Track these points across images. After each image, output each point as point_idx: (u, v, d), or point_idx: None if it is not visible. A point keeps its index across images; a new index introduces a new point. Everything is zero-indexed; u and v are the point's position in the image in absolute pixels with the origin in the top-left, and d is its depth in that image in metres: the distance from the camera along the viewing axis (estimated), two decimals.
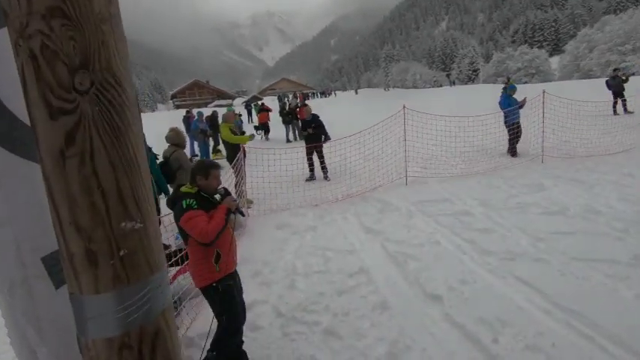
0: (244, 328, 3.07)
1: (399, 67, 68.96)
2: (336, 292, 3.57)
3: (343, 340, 2.94)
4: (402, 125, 6.86)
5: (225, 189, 2.74)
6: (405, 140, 6.89)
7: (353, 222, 5.35)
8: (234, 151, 6.17)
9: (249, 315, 3.34)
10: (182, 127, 14.81)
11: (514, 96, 8.05)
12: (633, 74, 11.83)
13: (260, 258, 4.44)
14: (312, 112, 7.81)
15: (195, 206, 2.42)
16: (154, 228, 0.53)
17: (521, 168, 7.03)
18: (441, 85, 55.09)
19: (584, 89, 16.29)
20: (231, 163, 6.01)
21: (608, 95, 11.26)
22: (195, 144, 11.33)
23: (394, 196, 6.13)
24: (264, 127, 14.70)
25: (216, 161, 2.87)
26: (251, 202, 6.52)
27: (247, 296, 3.60)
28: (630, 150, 7.37)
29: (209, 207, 2.53)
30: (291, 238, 4.97)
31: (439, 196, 5.90)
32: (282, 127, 13.62)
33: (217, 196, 2.66)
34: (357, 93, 57.24)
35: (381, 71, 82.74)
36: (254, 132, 13.00)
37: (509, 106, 7.88)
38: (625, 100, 10.99)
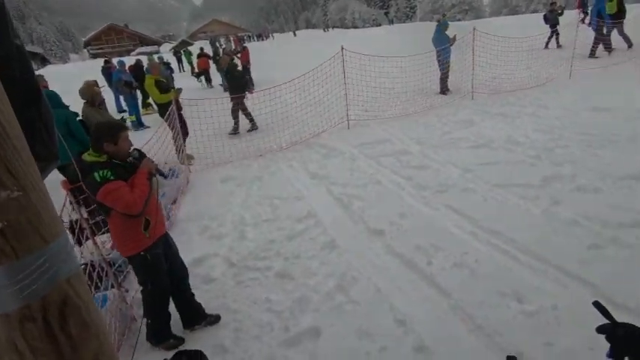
0: (198, 281, 3.12)
1: (337, 6, 66.15)
2: (286, 238, 3.70)
3: (295, 280, 3.11)
4: (342, 68, 6.77)
5: (139, 150, 2.46)
6: (345, 83, 6.86)
7: (298, 169, 5.40)
8: (165, 106, 5.69)
9: (201, 269, 3.38)
10: (103, 81, 13.24)
11: (447, 32, 8.22)
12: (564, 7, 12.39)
13: (207, 213, 4.39)
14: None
15: (112, 177, 2.17)
16: (41, 195, 0.48)
17: (453, 106, 7.43)
18: (380, 24, 54.30)
19: (514, 25, 17.11)
20: (163, 118, 5.57)
21: (541, 29, 11.85)
22: (122, 98, 10.23)
23: (337, 141, 6.24)
24: (205, 73, 13.60)
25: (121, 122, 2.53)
26: (192, 157, 6.25)
27: (197, 251, 3.62)
28: (547, 83, 8.07)
29: (126, 174, 2.29)
30: (237, 190, 4.93)
31: (380, 138, 6.11)
32: (218, 75, 12.76)
33: (131, 159, 2.38)
34: (295, 35, 54.51)
35: (319, 10, 78.84)
36: (197, 80, 12.04)
37: (442, 43, 8.07)
38: (558, 34, 11.56)
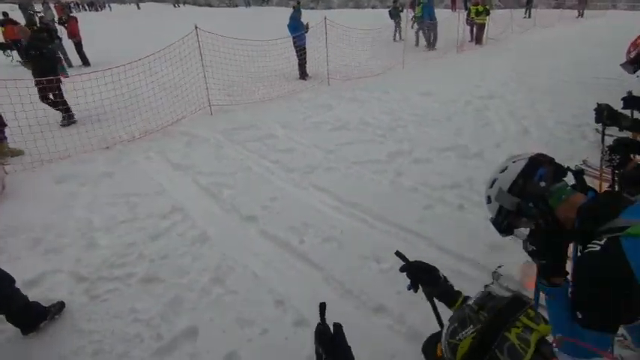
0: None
1: None
2: (149, 238, 3.33)
3: (165, 282, 2.85)
4: (198, 49, 6.31)
5: None
6: (204, 66, 6.44)
7: (158, 160, 4.88)
8: None
9: (36, 292, 2.76)
10: None
11: (301, 20, 8.58)
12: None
13: (38, 222, 3.56)
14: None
15: None
16: None
17: (313, 91, 7.86)
18: (236, 5, 52.54)
19: (359, 17, 19.00)
20: None
21: (382, 22, 13.54)
22: None
23: (200, 128, 5.86)
24: (16, 45, 10.52)
25: None
26: (21, 152, 4.94)
27: (29, 271, 2.95)
28: (387, 72, 9.31)
29: None
30: (79, 191, 4.14)
31: (245, 123, 6.01)
32: None
33: None
34: (139, 7, 47.78)
35: None
36: (4, 54, 9.35)
37: (297, 29, 8.39)
38: (400, 28, 13.64)
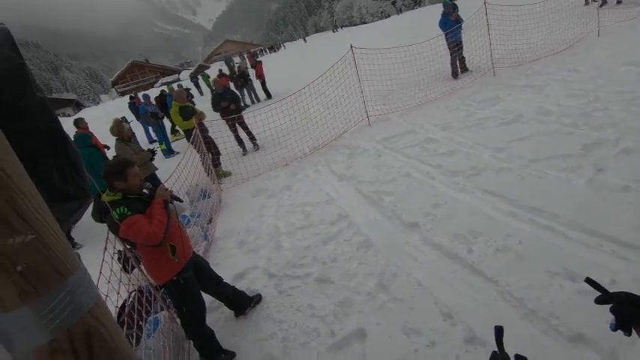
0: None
1: (343, 4, 66.08)
2: (321, 242, 3.71)
3: (335, 284, 3.11)
4: (354, 66, 6.73)
5: (149, 182, 2.58)
6: (360, 80, 6.80)
7: (325, 173, 5.42)
8: (190, 131, 5.92)
9: (243, 283, 3.46)
10: (130, 116, 13.98)
11: (459, 13, 7.96)
12: None
13: (242, 228, 4.49)
14: (225, 85, 7.40)
15: (129, 212, 2.24)
16: (54, 236, 0.52)
17: (475, 85, 7.16)
18: (388, 16, 53.53)
19: None
20: (189, 141, 5.79)
21: None
22: (150, 129, 10.78)
23: (360, 139, 6.19)
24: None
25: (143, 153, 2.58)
26: (229, 174, 6.43)
27: (237, 266, 3.71)
28: (574, 45, 7.59)
29: (143, 206, 2.36)
30: (268, 202, 5.01)
31: (403, 130, 6.00)
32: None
33: (145, 191, 2.47)
34: (305, 41, 54.92)
35: (325, 12, 79.08)
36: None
37: (446, 25, 7.80)
38: None
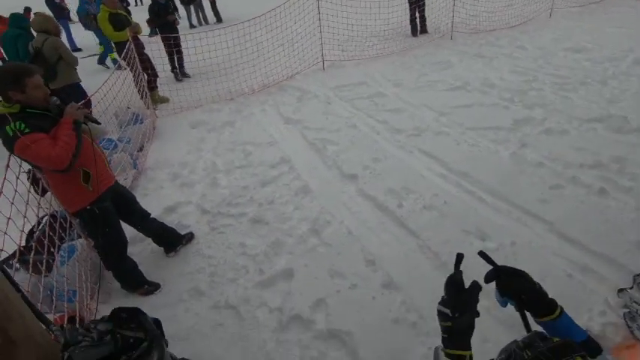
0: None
1: None
2: (260, 184, 3.67)
3: (269, 225, 3.14)
4: (317, 4, 6.27)
5: (59, 98, 2.21)
6: (320, 20, 6.41)
7: (271, 113, 5.22)
8: (122, 45, 5.16)
9: (174, 217, 3.35)
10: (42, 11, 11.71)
11: None
12: None
13: (177, 160, 4.24)
14: None
15: (27, 129, 1.89)
16: None
17: (432, 46, 7.18)
18: None
19: None
20: (120, 56, 5.08)
21: None
22: (94, 35, 9.05)
23: (312, 83, 5.99)
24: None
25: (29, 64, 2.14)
26: (166, 100, 5.88)
27: (169, 199, 3.56)
28: (527, 22, 7.86)
29: (48, 124, 2.02)
30: (207, 137, 4.75)
31: (356, 80, 5.90)
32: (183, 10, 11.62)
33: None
34: None
35: None
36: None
37: None
38: None
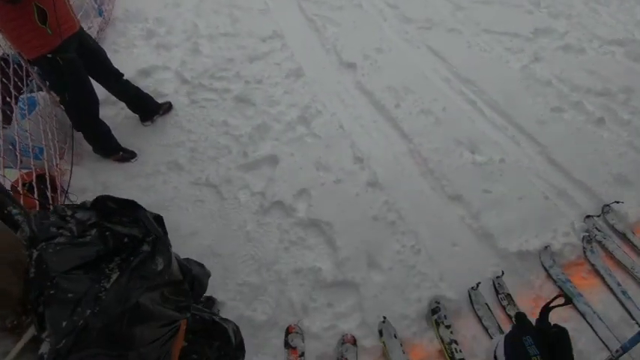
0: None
1: None
2: (247, 59, 3.29)
3: (256, 107, 2.92)
4: None
5: None
6: None
7: None
8: None
9: (149, 82, 3.02)
10: None
11: None
12: None
13: (151, 14, 3.64)
14: None
15: None
16: None
17: None
18: None
19: None
20: None
21: None
22: None
23: None
24: None
25: None
26: None
27: (142, 61, 3.17)
28: None
29: None
30: None
31: None
32: None
33: None
34: None
35: None
36: None
37: None
38: None
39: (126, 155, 2.53)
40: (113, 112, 2.79)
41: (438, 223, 2.26)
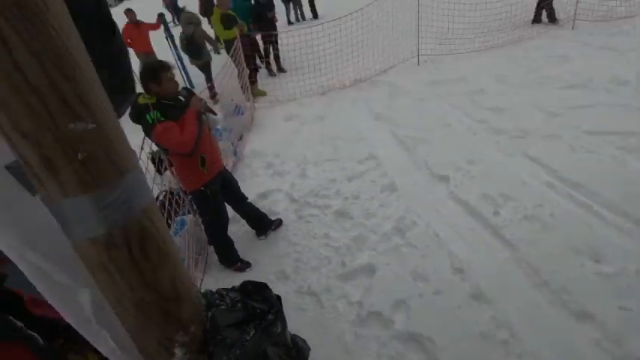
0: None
1: None
2: (347, 178, 3.73)
3: (354, 220, 3.18)
4: None
5: (187, 89, 2.53)
6: (419, 13, 6.16)
7: (362, 109, 5.23)
8: (230, 42, 5.69)
9: (265, 203, 3.60)
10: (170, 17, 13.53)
11: None
12: None
13: (271, 150, 4.54)
14: None
15: (162, 118, 2.24)
16: (114, 128, 0.51)
17: (547, 37, 6.37)
18: None
19: None
20: (228, 53, 5.62)
21: None
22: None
23: (405, 79, 5.82)
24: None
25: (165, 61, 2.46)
26: (263, 93, 6.33)
27: (262, 186, 3.84)
28: None
29: (177, 113, 2.34)
30: (300, 129, 4.97)
31: (454, 76, 5.56)
32: (282, 7, 12.26)
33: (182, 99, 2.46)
34: None
35: None
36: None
37: None
38: None
39: (242, 266, 2.94)
40: (236, 228, 3.36)
41: (566, 347, 1.93)
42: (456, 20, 6.71)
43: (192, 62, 6.56)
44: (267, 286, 1.15)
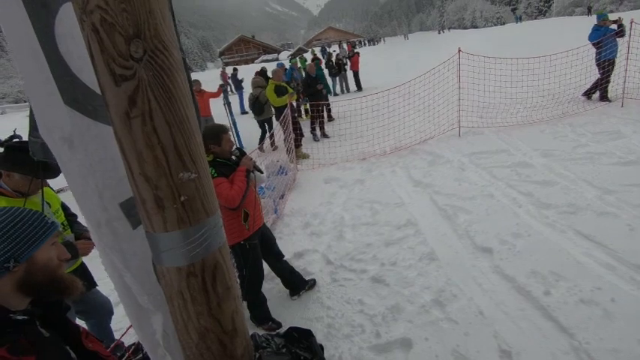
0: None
1: (455, 5, 62.48)
2: (384, 243, 3.67)
3: (390, 287, 3.07)
4: (457, 71, 6.37)
5: (240, 149, 2.77)
6: (460, 87, 6.43)
7: (401, 175, 5.29)
8: (281, 109, 6.25)
9: (300, 262, 3.60)
10: (232, 86, 15.19)
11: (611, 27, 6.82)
12: None
13: (310, 210, 4.64)
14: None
15: (215, 174, 2.48)
16: (207, 177, 0.62)
17: (595, 114, 6.30)
18: (504, 23, 49.18)
19: None
20: (277, 119, 6.11)
21: None
22: (245, 100, 11.56)
23: (445, 148, 5.90)
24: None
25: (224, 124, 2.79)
26: (307, 156, 6.67)
27: (298, 245, 3.87)
28: None
29: (228, 171, 2.58)
30: (339, 192, 5.09)
31: (495, 147, 5.56)
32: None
33: (233, 157, 2.69)
34: (406, 38, 53.28)
35: (435, 11, 75.73)
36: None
37: (601, 38, 6.71)
38: None
39: (273, 325, 2.88)
40: (270, 285, 3.34)
41: None
42: (496, 95, 6.89)
43: (255, 118, 7.43)
44: (312, 334, 1.16)
